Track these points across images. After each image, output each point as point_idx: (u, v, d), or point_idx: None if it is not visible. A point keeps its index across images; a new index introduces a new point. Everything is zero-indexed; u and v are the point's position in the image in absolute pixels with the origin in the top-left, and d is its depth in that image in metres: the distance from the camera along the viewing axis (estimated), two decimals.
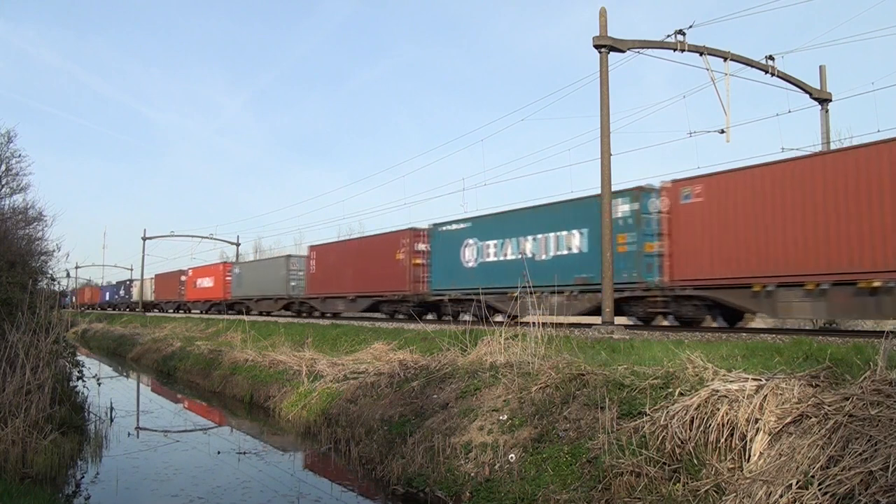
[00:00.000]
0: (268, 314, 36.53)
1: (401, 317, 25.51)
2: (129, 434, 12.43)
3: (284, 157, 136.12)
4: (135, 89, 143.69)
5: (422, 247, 24.50)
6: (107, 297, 74.83)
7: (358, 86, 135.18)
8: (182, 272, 51.89)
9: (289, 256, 35.72)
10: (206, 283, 46.16)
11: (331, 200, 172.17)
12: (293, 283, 34.23)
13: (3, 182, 19.09)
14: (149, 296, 58.53)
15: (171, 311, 52.22)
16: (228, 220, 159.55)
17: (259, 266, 41.19)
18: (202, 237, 56.21)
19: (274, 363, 16.24)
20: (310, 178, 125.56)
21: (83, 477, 9.36)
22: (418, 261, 24.31)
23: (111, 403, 13.98)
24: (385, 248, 25.85)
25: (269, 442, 11.92)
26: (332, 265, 30.41)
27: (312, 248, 32.54)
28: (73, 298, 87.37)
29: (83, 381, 12.67)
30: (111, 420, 13.17)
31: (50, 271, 18.74)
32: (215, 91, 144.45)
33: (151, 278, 59.55)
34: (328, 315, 31.46)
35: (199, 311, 44.61)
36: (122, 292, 69.69)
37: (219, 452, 10.89)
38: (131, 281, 67.36)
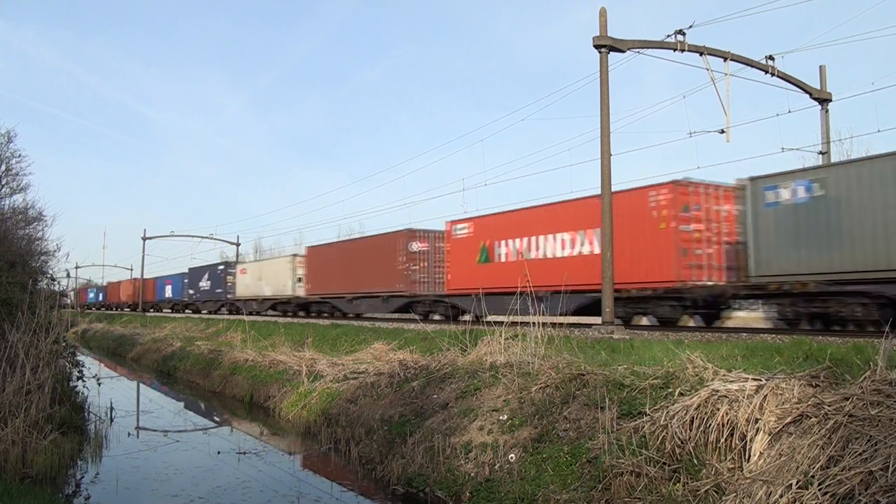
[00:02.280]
0: None
1: None
2: (129, 434, 12.43)
3: (284, 157, 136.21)
4: (135, 89, 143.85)
5: None
6: (168, 294, 49.79)
7: (358, 86, 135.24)
8: (413, 234, 26.69)
9: None
10: (557, 247, 20.29)
11: (331, 200, 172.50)
12: None
13: (3, 182, 19.12)
14: (288, 289, 35.95)
15: (373, 315, 29.58)
16: (228, 220, 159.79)
17: None
18: (202, 237, 55.39)
19: (274, 363, 16.23)
20: (310, 178, 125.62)
21: (83, 477, 9.36)
22: None
23: (111, 403, 13.97)
24: None
25: (269, 442, 11.92)
26: None
27: None
28: (101, 297, 74.51)
29: (83, 381, 12.66)
30: (111, 420, 13.17)
31: (50, 271, 18.77)
32: (215, 91, 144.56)
33: (292, 257, 36.95)
34: None
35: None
36: (205, 284, 43.57)
37: (219, 452, 10.89)
38: (227, 265, 42.52)
